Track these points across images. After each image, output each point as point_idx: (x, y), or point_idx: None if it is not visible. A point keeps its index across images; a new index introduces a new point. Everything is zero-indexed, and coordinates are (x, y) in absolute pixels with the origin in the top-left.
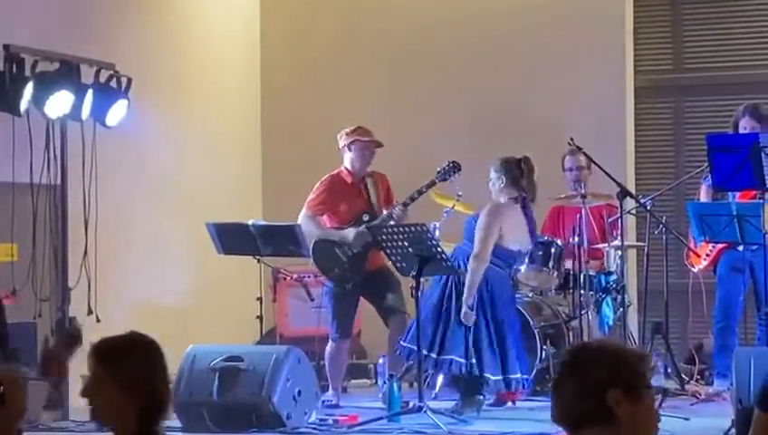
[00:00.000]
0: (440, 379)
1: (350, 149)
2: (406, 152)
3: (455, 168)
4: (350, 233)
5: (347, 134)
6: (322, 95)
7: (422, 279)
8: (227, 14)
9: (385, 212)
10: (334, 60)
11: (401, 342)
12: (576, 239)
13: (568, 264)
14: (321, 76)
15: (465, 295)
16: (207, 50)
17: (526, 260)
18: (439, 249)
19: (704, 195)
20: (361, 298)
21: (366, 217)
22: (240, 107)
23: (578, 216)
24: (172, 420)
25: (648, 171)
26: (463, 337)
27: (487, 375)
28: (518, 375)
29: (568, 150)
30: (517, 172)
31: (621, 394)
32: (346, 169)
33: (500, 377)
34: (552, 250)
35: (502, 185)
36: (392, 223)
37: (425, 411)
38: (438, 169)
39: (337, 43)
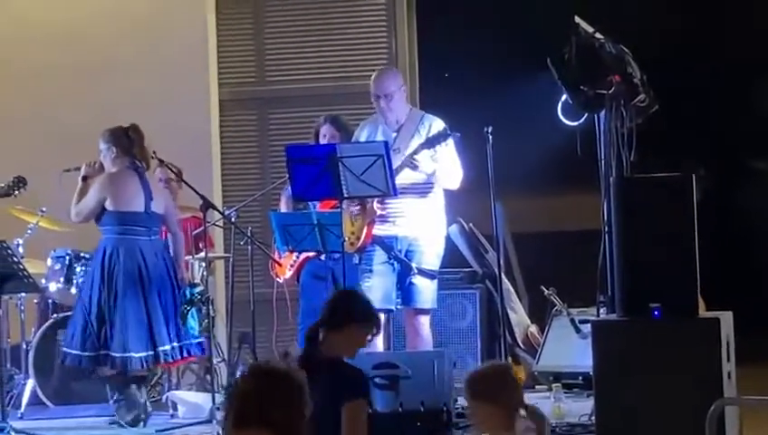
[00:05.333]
0: (26, 397)
1: None
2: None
3: (20, 182)
4: None
5: None
6: None
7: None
8: None
9: None
10: None
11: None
12: None
13: None
14: None
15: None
16: None
17: None
18: (21, 266)
19: (283, 205)
20: None
21: None
22: None
23: None
24: None
25: (234, 183)
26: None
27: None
28: (167, 347)
29: (157, 163)
30: (126, 142)
31: None
32: None
33: (150, 352)
34: None
35: (113, 156)
36: None
37: (8, 432)
38: (1, 185)
39: None
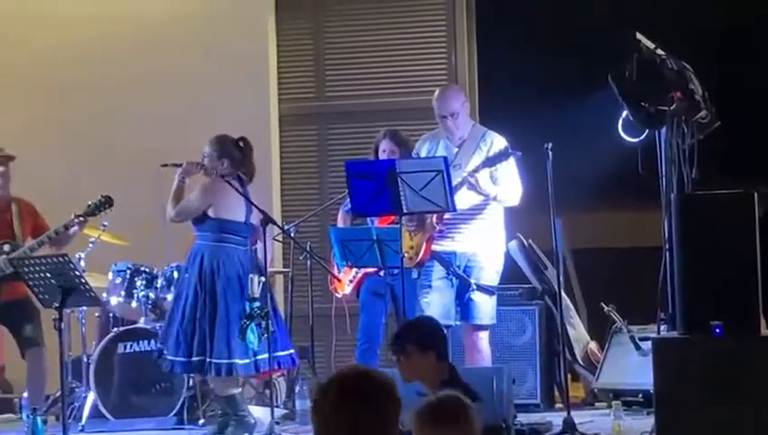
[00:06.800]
0: (86, 410)
1: None
2: (58, 179)
3: (106, 202)
4: None
5: None
6: None
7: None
8: None
9: (29, 242)
10: None
11: (165, 356)
12: None
13: None
14: None
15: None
16: None
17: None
18: (83, 280)
19: (341, 220)
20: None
21: (7, 248)
22: None
23: None
24: None
25: (294, 198)
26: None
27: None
28: (265, 356)
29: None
30: (238, 154)
31: None
32: None
33: (251, 359)
34: None
35: (222, 166)
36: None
37: None
38: (89, 203)
39: None
